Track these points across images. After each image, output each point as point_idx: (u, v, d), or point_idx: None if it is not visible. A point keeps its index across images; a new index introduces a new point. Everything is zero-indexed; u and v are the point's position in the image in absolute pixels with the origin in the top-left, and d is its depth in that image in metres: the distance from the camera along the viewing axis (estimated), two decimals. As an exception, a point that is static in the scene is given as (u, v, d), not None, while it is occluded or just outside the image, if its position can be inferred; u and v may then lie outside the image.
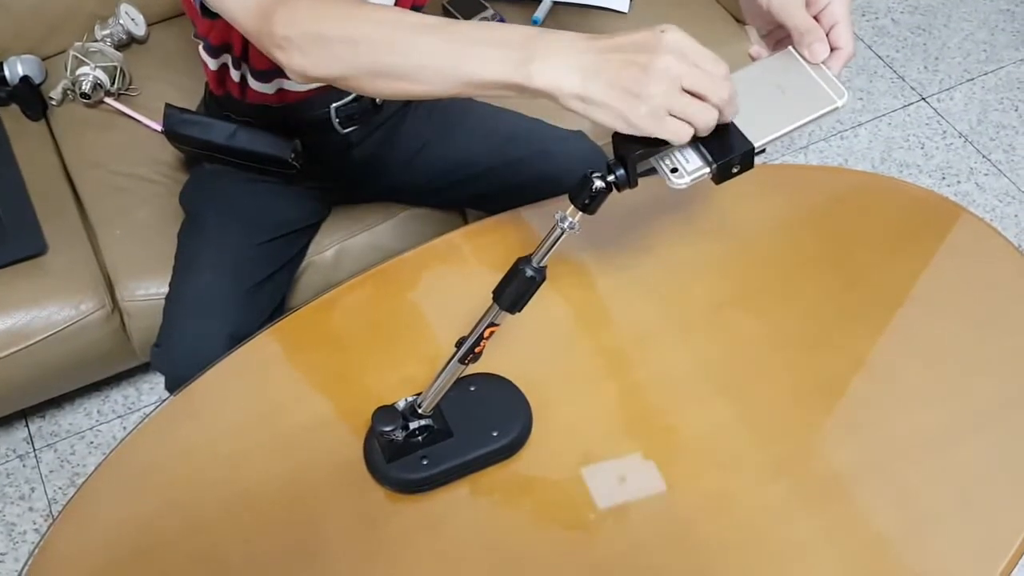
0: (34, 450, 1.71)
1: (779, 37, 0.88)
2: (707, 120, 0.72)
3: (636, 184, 0.75)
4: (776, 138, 0.76)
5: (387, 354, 1.04)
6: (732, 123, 0.75)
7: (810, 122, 0.77)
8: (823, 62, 0.81)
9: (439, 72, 0.78)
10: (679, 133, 0.71)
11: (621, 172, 0.75)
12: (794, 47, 0.82)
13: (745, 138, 0.75)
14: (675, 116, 0.71)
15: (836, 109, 0.78)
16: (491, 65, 0.75)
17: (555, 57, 0.73)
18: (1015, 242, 1.97)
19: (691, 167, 0.75)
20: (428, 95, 0.80)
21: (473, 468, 0.94)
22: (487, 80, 0.76)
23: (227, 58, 1.21)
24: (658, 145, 0.74)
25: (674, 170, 0.75)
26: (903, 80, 2.24)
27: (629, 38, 0.72)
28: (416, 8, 1.22)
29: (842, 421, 0.97)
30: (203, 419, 0.99)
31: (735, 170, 0.76)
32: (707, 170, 0.75)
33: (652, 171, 0.78)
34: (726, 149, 0.75)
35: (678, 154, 0.76)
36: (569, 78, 0.72)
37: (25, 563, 0.97)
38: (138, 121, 1.59)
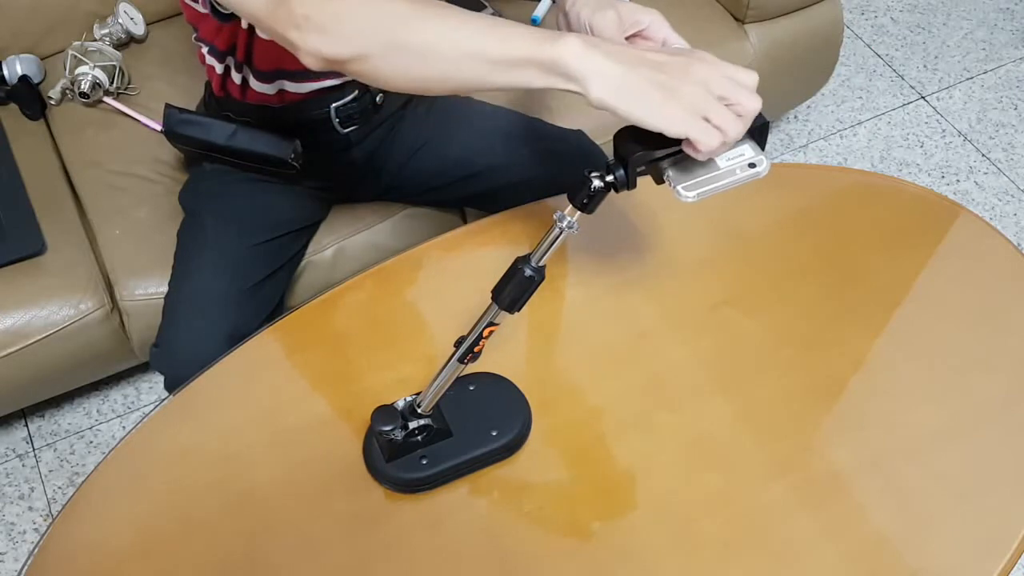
0: (33, 449, 1.71)
1: None
2: (737, 130, 0.72)
3: (635, 185, 0.75)
4: None
5: (386, 353, 1.04)
6: None
7: None
8: None
9: (462, 48, 0.75)
10: (708, 136, 0.71)
11: (620, 172, 0.75)
12: None
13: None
14: (708, 121, 0.71)
15: None
16: (516, 41, 0.73)
17: (589, 47, 0.72)
18: (1014, 241, 1.97)
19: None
20: (445, 78, 0.77)
21: (472, 467, 0.94)
22: (511, 56, 0.73)
23: (230, 61, 1.21)
24: (660, 147, 0.74)
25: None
26: (902, 79, 2.24)
27: (662, 50, 0.74)
28: None
29: (841, 419, 0.97)
30: (202, 419, 0.99)
31: None
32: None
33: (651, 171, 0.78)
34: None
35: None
36: (608, 67, 0.71)
37: (25, 563, 0.97)
38: (137, 120, 1.59)
